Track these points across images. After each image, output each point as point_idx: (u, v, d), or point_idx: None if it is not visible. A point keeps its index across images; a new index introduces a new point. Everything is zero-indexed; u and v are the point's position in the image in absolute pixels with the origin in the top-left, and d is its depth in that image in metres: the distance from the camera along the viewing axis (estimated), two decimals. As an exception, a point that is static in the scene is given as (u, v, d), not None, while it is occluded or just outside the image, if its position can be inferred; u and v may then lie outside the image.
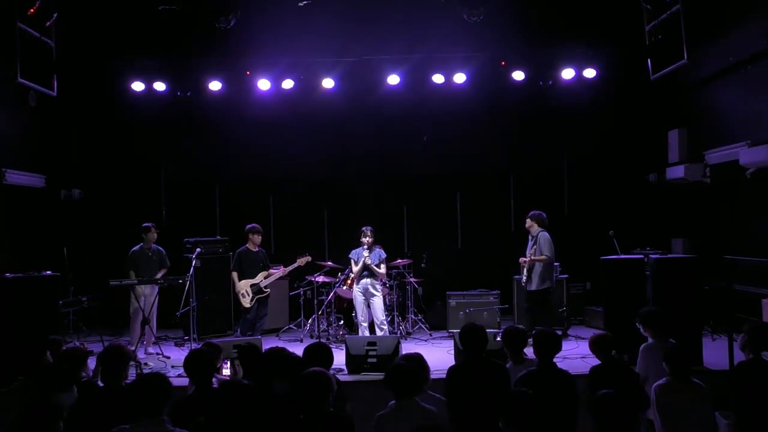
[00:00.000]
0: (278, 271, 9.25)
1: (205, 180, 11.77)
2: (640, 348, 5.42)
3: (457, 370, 5.03)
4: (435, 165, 11.50)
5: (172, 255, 9.68)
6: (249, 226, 9.16)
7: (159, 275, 8.92)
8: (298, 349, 5.27)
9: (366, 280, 9.01)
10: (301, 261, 9.21)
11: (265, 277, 9.08)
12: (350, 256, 9.22)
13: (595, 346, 5.20)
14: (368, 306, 9.02)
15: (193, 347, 7.92)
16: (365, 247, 8.97)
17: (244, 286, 8.93)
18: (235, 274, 9.01)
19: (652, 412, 4.69)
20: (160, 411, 3.75)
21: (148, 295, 8.78)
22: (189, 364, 4.65)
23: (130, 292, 8.70)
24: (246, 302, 8.89)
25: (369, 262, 8.93)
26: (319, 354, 4.84)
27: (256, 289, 8.92)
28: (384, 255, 9.14)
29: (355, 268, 9.07)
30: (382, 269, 9.06)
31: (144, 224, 9.14)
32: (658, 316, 5.54)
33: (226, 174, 11.75)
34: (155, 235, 9.14)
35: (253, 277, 8.98)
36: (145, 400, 3.74)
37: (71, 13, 10.31)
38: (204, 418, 4.10)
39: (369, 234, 8.96)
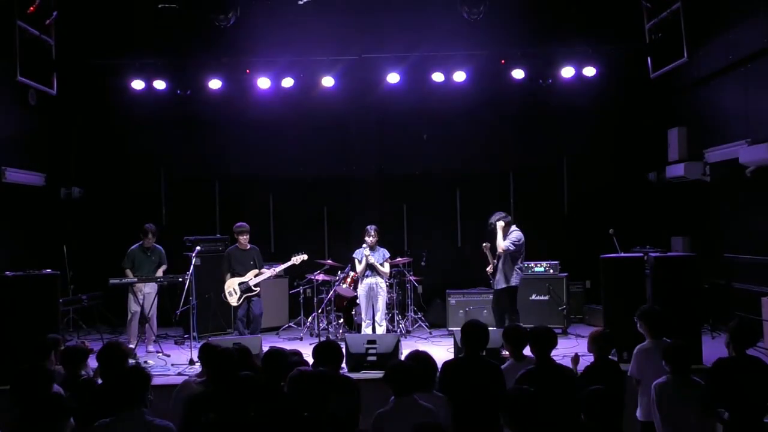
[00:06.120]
0: (270, 270, 9.04)
1: (205, 178, 11.77)
2: (635, 349, 5.39)
3: (452, 366, 5.04)
4: (435, 163, 11.50)
5: (172, 253, 9.67)
6: (234, 225, 9.02)
7: (159, 272, 8.90)
8: (297, 347, 5.27)
9: (370, 280, 8.98)
10: (296, 259, 9.04)
11: (255, 276, 8.87)
12: (354, 255, 9.18)
13: (592, 341, 5.23)
14: (372, 306, 8.98)
15: (193, 345, 7.93)
16: (365, 246, 8.95)
17: (231, 284, 8.79)
18: (227, 275, 8.85)
19: (652, 411, 4.69)
20: (139, 404, 3.81)
21: (148, 293, 8.77)
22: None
23: (129, 290, 8.69)
24: (233, 301, 8.78)
25: (372, 260, 8.90)
26: (329, 353, 4.88)
27: (245, 288, 8.78)
28: (388, 254, 9.12)
29: (359, 268, 9.04)
30: (386, 268, 9.04)
31: (146, 225, 9.01)
32: (657, 315, 5.49)
33: (226, 172, 11.75)
34: (153, 236, 9.06)
35: (242, 275, 8.86)
36: (124, 393, 3.80)
37: (71, 12, 10.30)
38: (215, 415, 4.11)
39: (372, 233, 8.94)
